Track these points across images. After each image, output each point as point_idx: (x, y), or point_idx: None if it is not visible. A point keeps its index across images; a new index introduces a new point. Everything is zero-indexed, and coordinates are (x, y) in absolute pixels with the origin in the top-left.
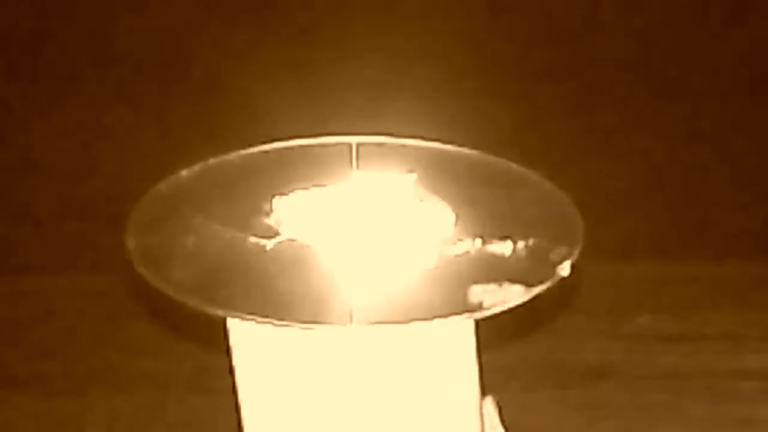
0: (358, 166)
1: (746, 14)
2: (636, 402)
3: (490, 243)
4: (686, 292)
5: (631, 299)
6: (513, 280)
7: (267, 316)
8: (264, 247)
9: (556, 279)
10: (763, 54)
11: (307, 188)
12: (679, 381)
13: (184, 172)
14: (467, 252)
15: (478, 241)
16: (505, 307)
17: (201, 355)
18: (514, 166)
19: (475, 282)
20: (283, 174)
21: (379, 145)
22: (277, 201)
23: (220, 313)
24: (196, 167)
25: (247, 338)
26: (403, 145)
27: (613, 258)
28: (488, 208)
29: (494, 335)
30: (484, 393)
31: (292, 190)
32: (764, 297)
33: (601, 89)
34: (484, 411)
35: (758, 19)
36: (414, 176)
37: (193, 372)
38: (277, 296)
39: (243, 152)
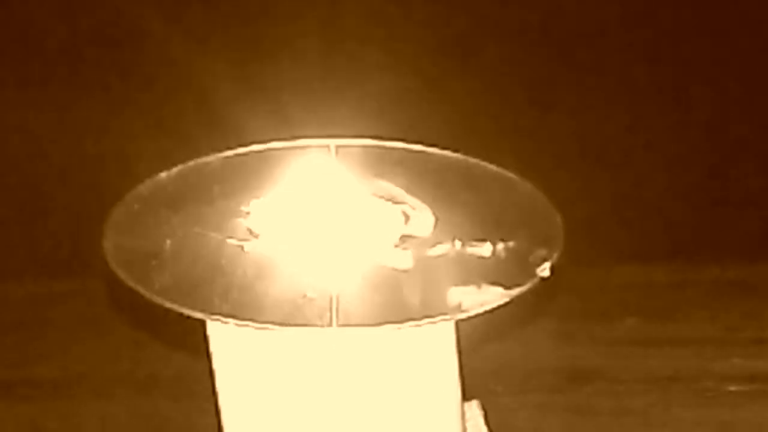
0: (337, 169)
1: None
2: (621, 405)
3: (470, 245)
4: (670, 297)
5: (616, 303)
6: (493, 282)
7: (246, 318)
8: (242, 248)
9: (535, 281)
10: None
11: (285, 191)
12: (663, 384)
13: (163, 175)
14: (447, 254)
15: (458, 243)
16: (484, 309)
17: (180, 356)
18: (494, 168)
19: (455, 284)
20: (261, 177)
21: (359, 147)
22: (255, 203)
23: (198, 315)
24: (175, 170)
25: (226, 339)
26: (383, 148)
27: (597, 262)
28: (468, 210)
29: (479, 339)
30: (467, 396)
31: (271, 193)
32: (748, 301)
33: (587, 93)
34: (470, 414)
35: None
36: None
37: (174, 375)
38: (255, 298)
39: (221, 155)
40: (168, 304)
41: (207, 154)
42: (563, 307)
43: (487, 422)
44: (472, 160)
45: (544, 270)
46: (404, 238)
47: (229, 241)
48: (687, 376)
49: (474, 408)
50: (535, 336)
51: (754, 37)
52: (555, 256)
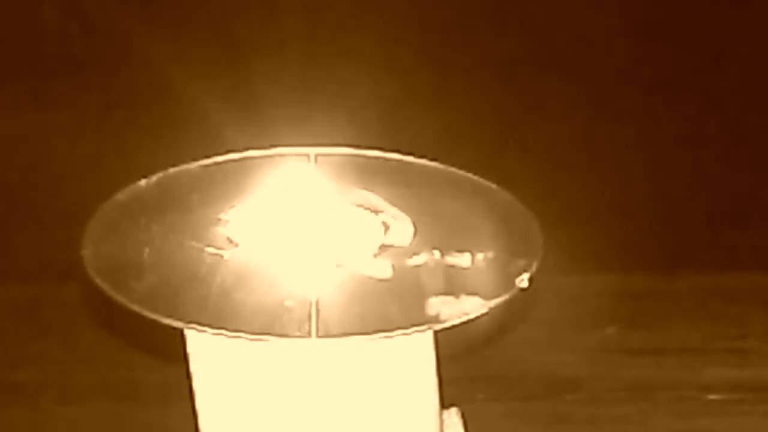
0: (317, 178)
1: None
2: (601, 415)
3: (449, 255)
4: (651, 305)
5: (597, 311)
6: (471, 293)
7: (224, 328)
8: (222, 257)
9: (514, 291)
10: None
11: (265, 199)
12: (644, 393)
13: (142, 182)
14: (426, 264)
15: (437, 252)
16: (463, 320)
17: (159, 365)
18: (474, 177)
19: (434, 294)
20: (241, 185)
21: (339, 156)
22: (235, 211)
23: (176, 324)
24: (154, 177)
25: (204, 349)
26: (363, 156)
27: (578, 270)
28: (447, 219)
29: (459, 346)
30: (446, 404)
31: (251, 201)
32: (729, 310)
33: (571, 103)
34: (449, 422)
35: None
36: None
37: (151, 383)
38: (234, 307)
39: (200, 163)
40: (146, 313)
41: (186, 161)
42: (543, 315)
43: (466, 430)
44: (452, 170)
45: (523, 281)
46: (383, 247)
47: (208, 249)
48: (667, 384)
49: (453, 416)
50: (515, 344)
51: (746, 42)
52: (534, 266)
